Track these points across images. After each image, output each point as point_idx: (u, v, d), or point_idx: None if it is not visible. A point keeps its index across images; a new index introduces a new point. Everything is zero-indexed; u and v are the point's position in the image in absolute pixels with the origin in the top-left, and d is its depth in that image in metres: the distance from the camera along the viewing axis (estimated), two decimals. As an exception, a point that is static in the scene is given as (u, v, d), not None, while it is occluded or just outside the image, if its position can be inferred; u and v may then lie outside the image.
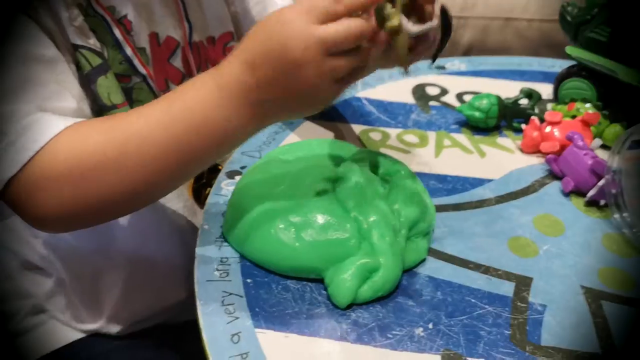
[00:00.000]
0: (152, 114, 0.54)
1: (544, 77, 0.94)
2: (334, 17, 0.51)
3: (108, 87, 0.64)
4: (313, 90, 0.52)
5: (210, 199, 0.67)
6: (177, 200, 0.72)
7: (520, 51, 1.16)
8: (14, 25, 0.56)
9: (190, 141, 0.53)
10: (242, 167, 0.71)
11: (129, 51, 0.66)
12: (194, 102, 0.53)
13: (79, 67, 0.62)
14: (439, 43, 0.59)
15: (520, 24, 1.17)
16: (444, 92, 0.89)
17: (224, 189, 0.68)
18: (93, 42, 0.63)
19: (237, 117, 0.53)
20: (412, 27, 0.54)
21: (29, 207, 0.55)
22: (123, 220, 0.68)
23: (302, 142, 0.70)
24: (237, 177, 0.69)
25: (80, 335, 0.74)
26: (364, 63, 0.53)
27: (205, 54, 0.74)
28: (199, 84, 0.54)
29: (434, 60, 0.66)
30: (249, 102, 0.53)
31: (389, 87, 0.89)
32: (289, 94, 0.52)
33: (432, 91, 0.89)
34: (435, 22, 0.56)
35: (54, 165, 0.53)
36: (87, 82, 0.62)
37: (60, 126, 0.54)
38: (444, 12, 0.60)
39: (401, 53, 0.55)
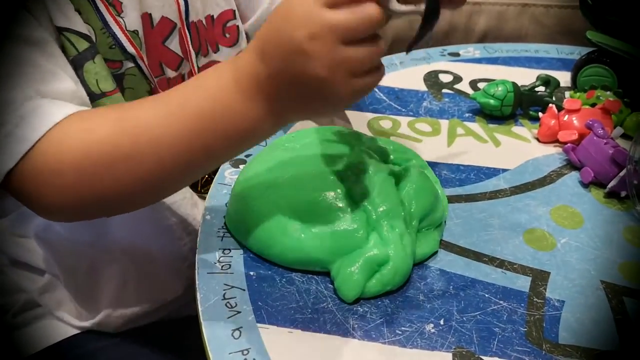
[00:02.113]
0: (165, 105, 0.51)
1: (562, 64, 0.90)
2: (345, 0, 0.45)
3: (96, 74, 0.60)
4: (325, 86, 0.46)
5: (213, 188, 0.64)
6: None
7: (537, 38, 1.12)
8: None
9: (206, 136, 0.49)
10: (247, 156, 0.68)
11: (119, 34, 0.62)
12: (209, 94, 0.49)
13: (64, 52, 0.58)
14: (417, 31, 0.50)
15: (537, 10, 1.14)
16: (458, 79, 0.86)
17: (228, 177, 0.65)
18: (79, 24, 0.59)
19: (254, 112, 0.49)
20: (397, 6, 0.47)
21: (33, 199, 0.52)
22: None
23: (309, 129, 0.68)
24: (242, 166, 0.66)
25: (76, 332, 0.71)
26: (382, 54, 0.48)
27: (204, 34, 0.71)
28: (216, 75, 0.50)
29: (408, 50, 0.51)
30: (265, 97, 0.48)
31: (400, 74, 0.86)
32: (299, 89, 0.47)
33: (445, 78, 0.86)
34: (421, 6, 0.48)
35: (58, 156, 0.50)
36: (73, 68, 0.59)
37: (60, 114, 0.51)
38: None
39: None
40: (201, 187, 0.71)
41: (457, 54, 0.92)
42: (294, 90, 0.48)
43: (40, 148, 0.50)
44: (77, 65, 0.59)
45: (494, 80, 0.80)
